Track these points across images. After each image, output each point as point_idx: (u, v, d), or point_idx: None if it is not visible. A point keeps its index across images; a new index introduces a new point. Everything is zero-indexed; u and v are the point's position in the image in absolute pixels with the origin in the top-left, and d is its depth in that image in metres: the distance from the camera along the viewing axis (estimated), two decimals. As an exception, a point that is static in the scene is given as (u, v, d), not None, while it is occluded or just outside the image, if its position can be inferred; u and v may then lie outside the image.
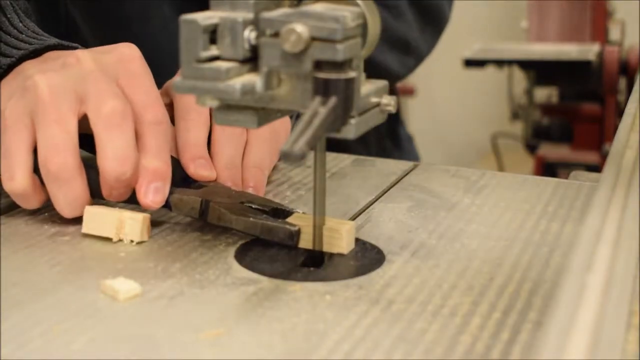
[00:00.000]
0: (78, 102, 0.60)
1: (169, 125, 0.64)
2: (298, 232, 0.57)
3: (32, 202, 0.61)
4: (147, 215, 0.59)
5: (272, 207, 0.61)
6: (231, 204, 0.60)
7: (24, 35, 0.67)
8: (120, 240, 0.59)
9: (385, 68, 0.96)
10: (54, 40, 0.67)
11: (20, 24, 0.68)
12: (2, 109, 0.62)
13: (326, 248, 0.57)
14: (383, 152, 1.08)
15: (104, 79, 0.61)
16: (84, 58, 0.63)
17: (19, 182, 0.60)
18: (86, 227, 0.59)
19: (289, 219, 0.59)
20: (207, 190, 0.62)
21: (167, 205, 0.62)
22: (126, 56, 0.64)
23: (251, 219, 0.58)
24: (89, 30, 0.89)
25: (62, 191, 0.60)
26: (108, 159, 0.59)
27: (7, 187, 0.61)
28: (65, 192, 0.60)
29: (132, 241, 0.59)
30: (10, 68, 0.65)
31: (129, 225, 0.58)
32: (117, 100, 0.59)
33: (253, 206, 0.61)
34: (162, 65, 0.77)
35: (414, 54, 1.01)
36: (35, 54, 0.66)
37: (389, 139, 1.10)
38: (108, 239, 0.59)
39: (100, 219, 0.59)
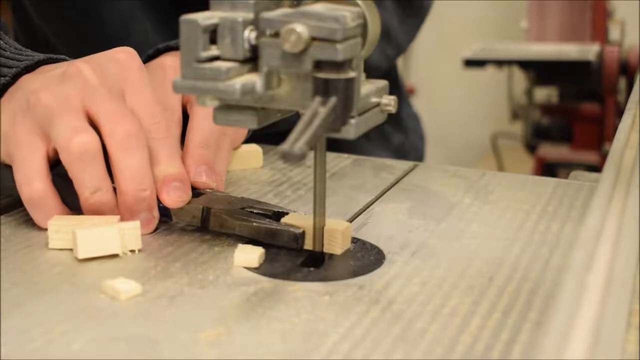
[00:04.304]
0: (84, 112, 0.61)
1: (175, 133, 0.66)
2: (303, 235, 0.57)
3: (48, 208, 0.61)
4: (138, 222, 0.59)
5: (273, 211, 0.61)
6: (232, 210, 0.60)
7: (8, 53, 0.68)
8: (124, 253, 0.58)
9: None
10: (42, 55, 0.68)
11: (1, 41, 0.69)
12: (5, 128, 0.62)
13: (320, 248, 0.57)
14: (382, 136, 1.07)
15: (111, 97, 0.62)
16: (85, 69, 0.63)
17: (36, 186, 0.60)
18: (82, 251, 0.56)
19: (285, 219, 0.59)
20: (206, 197, 0.63)
21: (167, 215, 0.62)
22: (127, 65, 0.64)
23: (254, 223, 0.59)
24: (67, 50, 0.90)
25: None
26: (127, 180, 0.60)
27: (25, 193, 0.60)
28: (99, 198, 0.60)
29: (132, 251, 0.58)
30: (5, 87, 0.65)
31: (128, 235, 0.57)
32: (130, 124, 0.60)
33: (254, 211, 0.61)
34: None
35: (393, 45, 0.99)
36: (27, 70, 0.66)
37: (389, 122, 1.08)
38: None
39: (97, 239, 0.56)
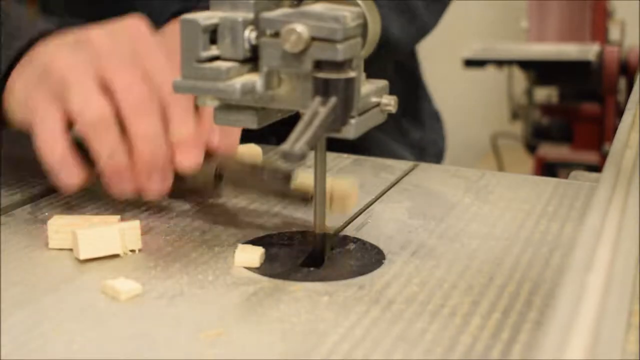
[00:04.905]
0: (98, 78, 0.61)
1: (189, 96, 0.65)
2: (311, 198, 0.60)
3: (72, 173, 0.61)
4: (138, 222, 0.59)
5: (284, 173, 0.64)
6: (244, 171, 0.65)
7: (23, 21, 0.68)
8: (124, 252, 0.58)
9: (386, 30, 0.95)
10: (57, 22, 0.68)
11: (18, 10, 0.69)
12: (22, 96, 0.63)
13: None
14: (400, 133, 1.06)
15: (125, 62, 0.62)
16: (97, 37, 0.63)
17: (59, 151, 0.60)
18: (83, 252, 0.56)
19: (299, 180, 0.62)
20: (219, 159, 0.65)
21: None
22: (139, 31, 0.64)
23: (267, 183, 0.63)
24: None
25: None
26: (142, 143, 0.60)
27: (49, 158, 0.60)
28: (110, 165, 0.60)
29: (132, 251, 0.58)
30: (20, 53, 0.66)
31: (128, 235, 0.57)
32: (144, 88, 0.60)
33: (265, 174, 0.64)
34: None
35: (417, 24, 0.98)
36: (42, 36, 0.66)
37: (409, 117, 1.06)
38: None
39: (97, 239, 0.56)
